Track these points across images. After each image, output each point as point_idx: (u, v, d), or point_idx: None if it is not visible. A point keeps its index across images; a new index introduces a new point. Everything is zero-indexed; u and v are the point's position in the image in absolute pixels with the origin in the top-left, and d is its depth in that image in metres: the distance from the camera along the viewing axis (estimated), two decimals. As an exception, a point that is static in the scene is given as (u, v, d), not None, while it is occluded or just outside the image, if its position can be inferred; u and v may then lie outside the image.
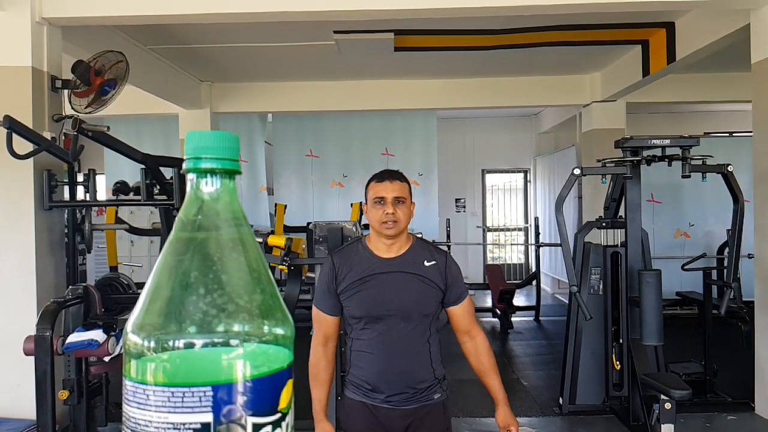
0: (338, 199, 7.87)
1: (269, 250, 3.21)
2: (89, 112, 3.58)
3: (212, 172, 0.43)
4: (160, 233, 4.13)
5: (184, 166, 0.43)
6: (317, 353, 1.92)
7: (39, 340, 2.78)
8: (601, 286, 4.05)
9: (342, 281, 1.88)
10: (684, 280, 5.61)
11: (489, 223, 9.86)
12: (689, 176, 3.70)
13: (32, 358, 2.82)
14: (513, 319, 6.77)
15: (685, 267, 4.65)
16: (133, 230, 4.51)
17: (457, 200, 9.58)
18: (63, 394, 2.94)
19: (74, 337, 2.83)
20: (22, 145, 3.09)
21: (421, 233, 3.42)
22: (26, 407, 3.13)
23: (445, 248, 2.07)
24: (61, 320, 3.00)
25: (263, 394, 0.40)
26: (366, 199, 1.93)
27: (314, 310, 1.95)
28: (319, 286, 1.95)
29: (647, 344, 3.59)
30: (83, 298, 3.05)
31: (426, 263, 1.90)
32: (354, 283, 1.86)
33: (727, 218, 3.86)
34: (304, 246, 5.52)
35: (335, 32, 4.79)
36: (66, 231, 3.62)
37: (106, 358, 2.91)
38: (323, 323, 1.92)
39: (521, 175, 9.91)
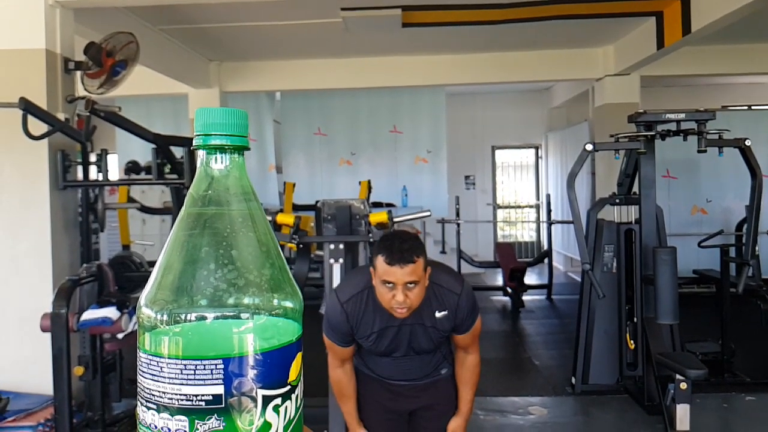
0: (346, 177, 7.87)
1: (278, 228, 3.21)
2: (101, 93, 3.59)
3: (221, 149, 0.43)
4: (171, 212, 4.16)
5: (194, 142, 0.43)
6: (337, 374, 1.95)
7: (55, 317, 2.82)
8: (614, 264, 4.02)
9: (357, 331, 1.86)
10: (701, 258, 5.56)
11: (499, 201, 9.82)
12: (705, 151, 3.64)
13: (48, 334, 2.87)
14: (524, 297, 6.77)
15: (702, 244, 4.61)
16: (144, 209, 4.54)
17: (466, 177, 9.53)
18: (78, 370, 3.00)
19: (89, 315, 2.88)
20: (37, 126, 3.12)
21: (429, 211, 3.40)
22: (43, 382, 3.20)
23: (457, 286, 1.85)
24: (76, 298, 3.04)
25: (273, 366, 0.40)
26: (374, 266, 1.75)
27: (327, 340, 1.91)
28: (331, 327, 1.88)
29: (662, 323, 3.56)
30: (97, 276, 3.09)
31: (437, 314, 1.82)
32: (367, 336, 1.87)
33: (746, 194, 3.80)
34: (312, 224, 5.53)
35: (342, 9, 4.73)
36: (80, 210, 3.65)
37: (120, 335, 2.96)
38: (339, 353, 1.93)
39: (532, 151, 9.83)
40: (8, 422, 2.97)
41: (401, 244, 1.69)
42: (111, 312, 2.89)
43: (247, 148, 0.44)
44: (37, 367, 3.29)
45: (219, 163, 0.43)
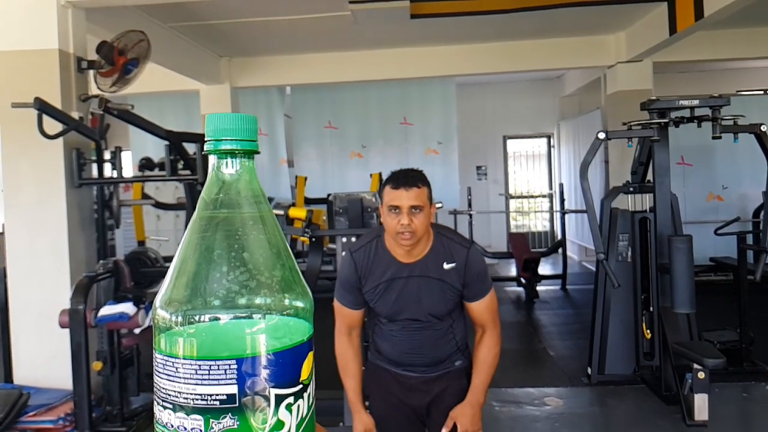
0: (357, 170, 7.87)
1: (291, 222, 3.23)
2: (114, 91, 3.63)
3: (232, 154, 0.44)
4: (185, 207, 4.19)
5: (205, 147, 0.45)
6: (342, 344, 1.92)
7: (73, 313, 2.87)
8: (629, 253, 3.99)
9: (365, 283, 1.86)
10: (717, 245, 5.49)
11: (512, 191, 9.77)
12: (720, 137, 3.59)
13: (67, 330, 2.92)
14: (538, 288, 6.75)
15: (719, 231, 4.55)
16: (159, 205, 4.59)
17: (478, 168, 9.48)
18: (97, 366, 3.05)
19: (106, 310, 2.92)
20: (52, 126, 3.16)
21: (441, 203, 3.39)
22: (62, 378, 3.25)
23: (466, 242, 1.91)
24: (93, 294, 3.08)
25: (285, 366, 0.41)
26: (381, 201, 1.82)
27: (336, 303, 1.92)
28: (341, 282, 1.91)
29: (679, 312, 3.53)
30: (113, 272, 3.13)
31: (445, 265, 1.82)
32: (375, 287, 1.86)
33: (762, 180, 3.75)
34: (324, 217, 5.55)
35: (351, 2, 4.72)
36: (95, 207, 3.70)
37: (137, 330, 3.00)
38: (346, 317, 1.91)
39: (544, 140, 9.76)
40: (29, 417, 3.02)
41: (407, 173, 1.80)
42: (128, 307, 2.93)
43: (257, 152, 0.45)
44: (57, 363, 3.35)
45: (230, 168, 0.45)
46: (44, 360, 3.44)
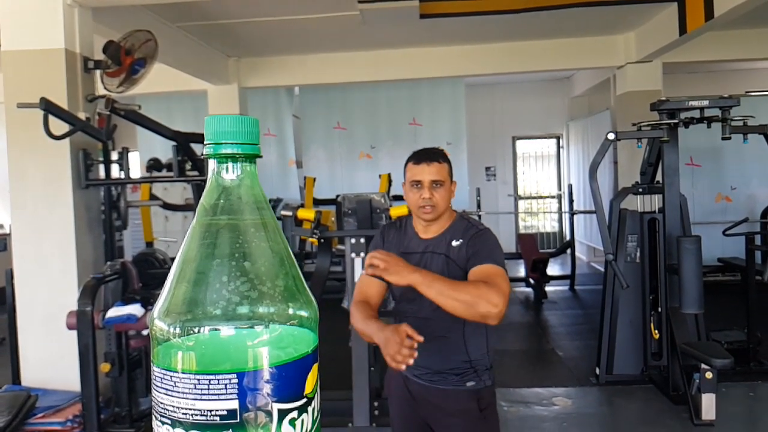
0: (366, 171, 7.86)
1: (299, 223, 3.22)
2: (121, 92, 3.63)
3: (233, 158, 0.42)
4: (192, 208, 4.20)
5: (204, 151, 0.43)
6: (358, 305, 1.81)
7: (81, 315, 2.87)
8: (638, 254, 3.97)
9: (385, 249, 1.88)
10: (726, 246, 5.44)
11: (521, 191, 9.73)
12: (729, 138, 3.57)
13: (75, 332, 2.92)
14: (547, 288, 6.72)
15: (727, 232, 4.52)
16: (167, 206, 4.60)
17: (487, 168, 9.45)
18: (105, 367, 3.05)
19: (114, 312, 2.92)
20: (58, 126, 3.16)
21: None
22: (70, 379, 3.26)
23: (483, 226, 1.87)
24: (101, 295, 3.08)
25: (288, 380, 0.40)
26: (404, 179, 1.87)
27: (358, 280, 1.94)
28: (369, 250, 1.94)
29: (687, 312, 3.52)
30: (121, 274, 3.13)
31: (454, 243, 1.81)
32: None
33: (771, 181, 3.72)
34: (333, 218, 5.54)
35: (360, 2, 4.71)
36: (103, 208, 3.70)
37: (145, 332, 2.99)
38: (363, 285, 1.88)
39: (553, 141, 9.71)
40: (37, 419, 3.03)
41: (428, 150, 1.86)
42: (135, 309, 2.93)
43: (259, 156, 0.44)
44: (64, 365, 3.35)
45: (230, 173, 0.43)
46: (52, 362, 3.45)
